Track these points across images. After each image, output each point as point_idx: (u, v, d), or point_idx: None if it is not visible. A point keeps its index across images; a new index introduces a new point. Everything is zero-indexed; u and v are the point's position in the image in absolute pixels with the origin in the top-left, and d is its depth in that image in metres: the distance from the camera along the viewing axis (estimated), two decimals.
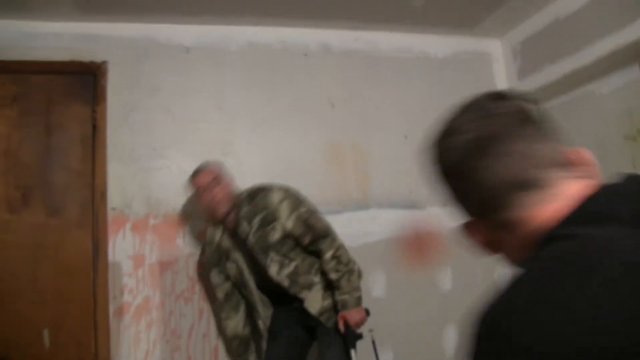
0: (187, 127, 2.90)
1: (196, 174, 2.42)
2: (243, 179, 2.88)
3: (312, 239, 2.33)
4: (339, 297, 2.30)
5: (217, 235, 2.48)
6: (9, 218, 2.67)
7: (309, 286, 2.32)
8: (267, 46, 3.09)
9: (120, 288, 2.67)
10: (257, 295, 2.45)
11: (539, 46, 3.12)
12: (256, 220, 2.33)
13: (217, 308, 2.61)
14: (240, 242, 2.40)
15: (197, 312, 2.74)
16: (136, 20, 2.90)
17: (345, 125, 3.08)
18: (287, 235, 2.32)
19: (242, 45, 3.05)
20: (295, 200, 2.37)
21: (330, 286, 2.35)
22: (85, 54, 2.82)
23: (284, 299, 2.41)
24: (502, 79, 3.42)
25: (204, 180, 2.38)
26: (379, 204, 3.04)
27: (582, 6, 2.79)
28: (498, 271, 3.11)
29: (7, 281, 2.60)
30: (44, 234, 2.67)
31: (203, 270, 2.73)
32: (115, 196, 2.74)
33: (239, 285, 2.49)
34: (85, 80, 2.84)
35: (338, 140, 3.05)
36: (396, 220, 2.98)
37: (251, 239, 2.33)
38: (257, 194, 2.40)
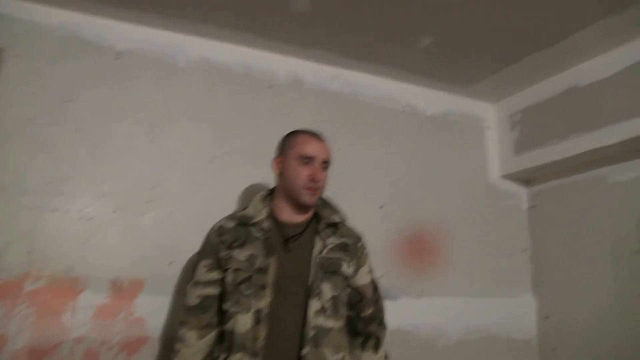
0: (104, 158, 2.20)
1: (318, 138, 1.86)
2: (172, 236, 2.24)
3: (373, 316, 1.88)
4: None
5: (265, 221, 1.80)
6: None
7: None
8: (226, 67, 2.48)
9: None
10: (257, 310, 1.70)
11: (544, 118, 2.77)
12: (332, 240, 1.82)
13: (178, 323, 1.84)
14: (288, 253, 1.76)
15: None
16: (56, 3, 2.21)
17: None
18: (351, 286, 1.85)
19: (193, 61, 2.43)
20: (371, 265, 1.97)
21: None
22: None
23: None
24: (494, 150, 3.06)
25: (327, 154, 1.85)
26: None
27: (606, 77, 2.46)
28: None
29: None
30: None
31: None
32: None
33: (239, 283, 1.72)
34: None
35: None
36: None
37: (316, 256, 1.76)
38: (344, 225, 1.91)
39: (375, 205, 2.67)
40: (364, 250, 1.90)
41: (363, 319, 1.86)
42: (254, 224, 1.77)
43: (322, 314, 1.71)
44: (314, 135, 1.86)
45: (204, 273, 1.80)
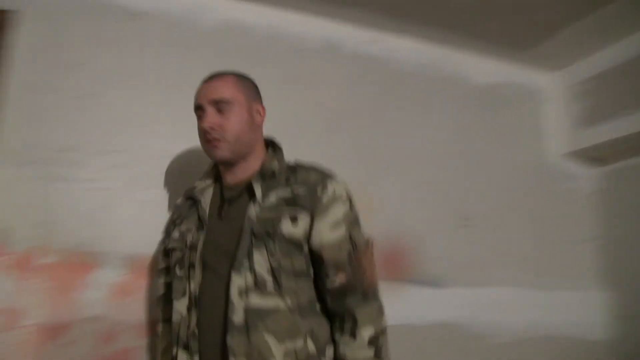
0: (116, 126, 2.07)
1: (210, 78, 1.56)
2: None
3: (347, 288, 1.41)
4: None
5: (207, 189, 1.58)
6: None
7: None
8: (252, 30, 2.32)
9: None
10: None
11: (617, 85, 2.46)
12: (279, 194, 1.45)
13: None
14: (221, 221, 1.49)
15: None
16: None
17: (346, 154, 2.32)
18: (306, 251, 1.43)
19: (216, 23, 2.28)
20: (356, 218, 1.49)
21: None
22: None
23: None
24: (553, 125, 2.78)
25: (217, 91, 1.50)
26: None
27: None
28: None
29: None
30: None
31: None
32: None
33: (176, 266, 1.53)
34: None
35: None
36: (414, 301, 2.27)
37: (251, 214, 1.42)
38: (306, 169, 1.52)
39: (418, 183, 2.45)
40: (324, 197, 1.42)
41: (332, 292, 1.42)
42: (196, 194, 1.57)
43: (255, 291, 1.36)
44: (206, 79, 1.57)
45: (159, 260, 1.65)
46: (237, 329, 1.33)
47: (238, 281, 1.36)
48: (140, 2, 2.20)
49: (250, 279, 1.36)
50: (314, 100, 2.32)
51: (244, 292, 1.35)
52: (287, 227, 1.39)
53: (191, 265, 1.45)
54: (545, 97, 2.82)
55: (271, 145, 1.62)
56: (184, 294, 1.46)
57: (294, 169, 1.52)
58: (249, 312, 1.34)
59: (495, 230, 2.53)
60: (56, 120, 2.01)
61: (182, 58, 2.22)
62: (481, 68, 2.71)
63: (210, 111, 1.49)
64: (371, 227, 2.26)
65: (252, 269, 1.36)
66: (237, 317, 1.34)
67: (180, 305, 1.46)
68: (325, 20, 2.43)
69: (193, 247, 1.47)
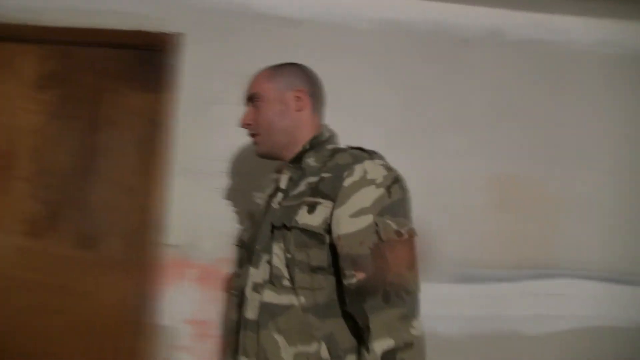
0: None
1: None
2: None
3: (366, 287, 1.17)
4: None
5: (271, 184, 1.50)
6: (26, 244, 1.97)
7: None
8: (412, 26, 2.23)
9: None
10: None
11: None
12: (305, 183, 1.31)
13: None
14: (266, 215, 1.40)
15: None
16: None
17: (521, 149, 2.19)
18: (328, 243, 1.24)
19: (375, 22, 2.21)
20: (393, 205, 1.23)
21: None
22: (152, 22, 2.07)
23: None
24: None
25: (252, 87, 1.47)
26: (572, 272, 2.11)
27: None
28: None
29: (8, 335, 1.90)
30: (68, 273, 1.96)
31: None
32: (177, 227, 1.97)
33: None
34: (148, 58, 2.12)
35: (511, 171, 2.17)
36: (596, 298, 2.10)
37: (274, 205, 1.34)
38: (345, 151, 1.36)
39: (608, 173, 2.25)
40: (348, 181, 1.23)
41: (349, 293, 1.19)
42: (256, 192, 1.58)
43: (270, 286, 1.25)
44: None
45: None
46: (249, 326, 1.25)
47: (255, 276, 1.29)
48: (299, 10, 2.19)
49: (266, 272, 1.27)
50: (482, 90, 2.21)
51: (260, 287, 1.27)
52: (302, 217, 1.24)
53: (244, 263, 1.43)
54: None
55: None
56: (238, 293, 1.43)
57: (334, 152, 1.36)
58: (262, 308, 1.24)
59: None
60: (228, 132, 2.06)
61: (346, 61, 2.18)
62: None
63: (248, 109, 1.47)
64: (556, 226, 2.15)
65: (270, 261, 1.27)
66: (251, 313, 1.26)
67: (234, 304, 1.43)
68: (488, 8, 2.28)
69: (245, 245, 1.45)
